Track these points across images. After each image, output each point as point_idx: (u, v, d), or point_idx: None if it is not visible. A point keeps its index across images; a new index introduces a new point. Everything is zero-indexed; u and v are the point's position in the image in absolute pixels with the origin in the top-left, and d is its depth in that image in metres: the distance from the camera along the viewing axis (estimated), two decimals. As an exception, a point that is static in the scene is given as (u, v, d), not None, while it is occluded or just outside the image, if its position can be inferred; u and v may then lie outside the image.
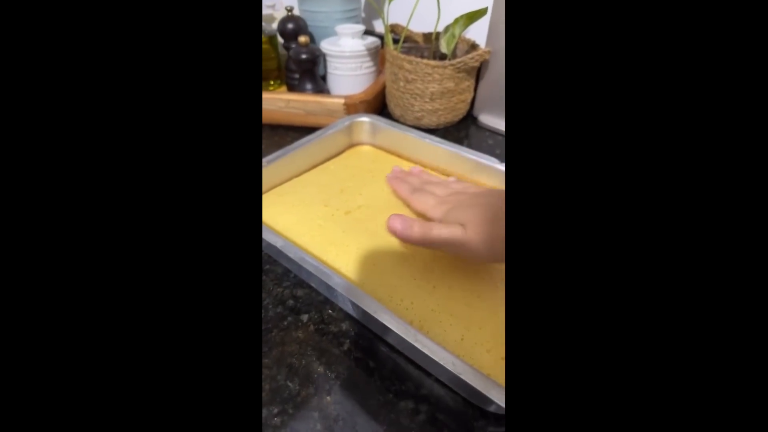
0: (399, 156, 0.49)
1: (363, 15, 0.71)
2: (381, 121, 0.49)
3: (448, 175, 0.45)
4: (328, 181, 0.43)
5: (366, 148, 0.51)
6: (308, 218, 0.37)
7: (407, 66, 0.52)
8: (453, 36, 0.52)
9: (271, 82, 0.67)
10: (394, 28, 0.58)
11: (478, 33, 0.58)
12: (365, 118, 0.50)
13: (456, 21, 0.51)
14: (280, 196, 0.41)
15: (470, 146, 0.45)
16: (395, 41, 0.56)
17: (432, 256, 0.33)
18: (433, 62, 0.50)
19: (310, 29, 0.64)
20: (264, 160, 0.41)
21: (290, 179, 0.44)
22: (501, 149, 0.54)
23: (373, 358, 0.29)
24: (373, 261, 0.32)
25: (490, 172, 0.42)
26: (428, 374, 0.27)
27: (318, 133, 0.46)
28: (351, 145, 0.51)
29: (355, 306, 0.27)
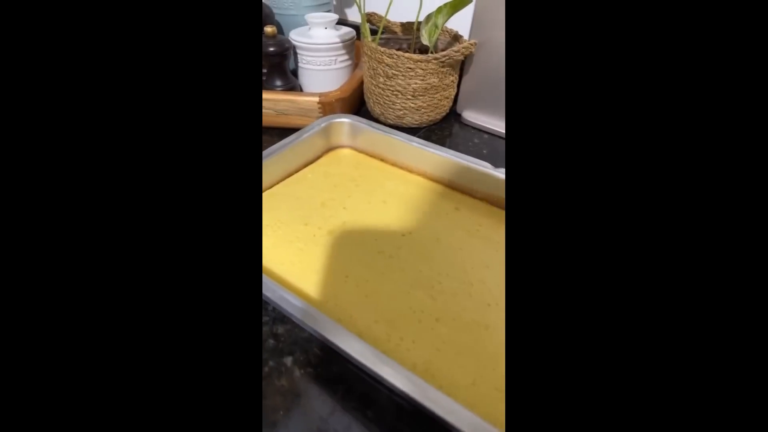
0: (383, 160, 0.45)
1: (333, 2, 0.66)
2: (361, 122, 0.45)
3: (435, 182, 0.41)
4: (307, 194, 0.38)
5: (346, 151, 0.46)
6: (286, 241, 0.33)
7: (387, 60, 0.47)
8: (435, 26, 0.48)
9: (235, 77, 0.60)
10: (370, 18, 0.53)
11: (460, 23, 0.55)
12: (344, 119, 0.45)
13: (439, 10, 0.47)
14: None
15: (456, 146, 0.42)
16: (373, 32, 0.51)
17: (433, 281, 0.29)
18: (416, 56, 0.46)
19: (276, 18, 0.57)
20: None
21: (263, 192, 0.39)
22: (488, 149, 0.51)
23: (372, 407, 0.25)
24: (364, 292, 0.29)
25: (483, 179, 0.38)
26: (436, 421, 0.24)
27: (291, 138, 0.41)
28: (329, 149, 0.46)
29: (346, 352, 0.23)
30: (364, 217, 0.35)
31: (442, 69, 0.48)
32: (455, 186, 0.41)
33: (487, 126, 0.54)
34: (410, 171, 0.43)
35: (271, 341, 0.28)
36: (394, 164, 0.44)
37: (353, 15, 0.71)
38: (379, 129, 0.44)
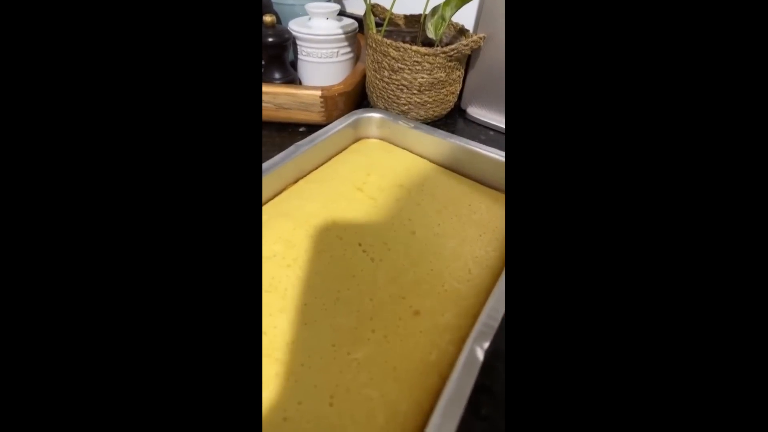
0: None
1: (332, -7, 0.63)
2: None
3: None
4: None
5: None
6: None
7: (393, 53, 0.46)
8: (442, 19, 0.47)
9: (229, 70, 0.57)
10: (373, 9, 0.52)
11: (465, 16, 0.53)
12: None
13: (447, 2, 0.45)
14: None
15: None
16: (378, 24, 0.49)
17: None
18: (423, 49, 0.44)
19: (274, 8, 0.55)
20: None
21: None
22: (494, 145, 0.50)
23: None
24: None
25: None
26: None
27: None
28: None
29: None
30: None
31: (449, 63, 0.47)
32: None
33: (493, 123, 0.53)
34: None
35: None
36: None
37: (351, 6, 0.69)
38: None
